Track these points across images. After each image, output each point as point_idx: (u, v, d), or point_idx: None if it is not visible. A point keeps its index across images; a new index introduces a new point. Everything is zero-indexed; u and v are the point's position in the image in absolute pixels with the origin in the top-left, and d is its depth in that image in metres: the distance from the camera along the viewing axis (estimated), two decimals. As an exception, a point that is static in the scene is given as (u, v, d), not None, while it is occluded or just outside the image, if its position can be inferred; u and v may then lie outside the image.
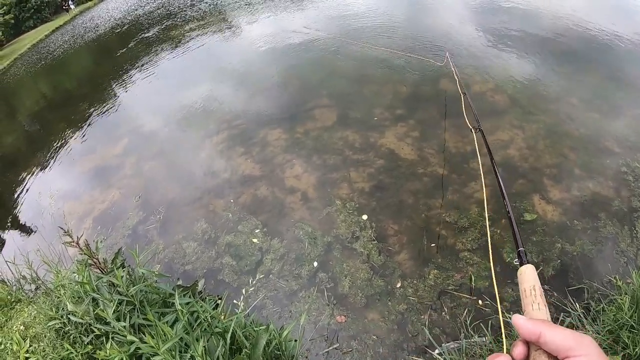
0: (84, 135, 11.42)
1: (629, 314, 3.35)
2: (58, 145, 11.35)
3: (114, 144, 10.02)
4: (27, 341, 4.34)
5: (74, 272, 4.51)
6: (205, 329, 3.51)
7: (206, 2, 24.73)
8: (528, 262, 1.19)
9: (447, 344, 4.02)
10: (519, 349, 0.80)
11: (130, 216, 7.04)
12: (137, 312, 3.67)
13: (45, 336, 4.27)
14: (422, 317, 4.43)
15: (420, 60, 9.42)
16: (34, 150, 12.03)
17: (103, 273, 3.90)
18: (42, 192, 9.09)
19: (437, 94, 8.31)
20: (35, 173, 10.37)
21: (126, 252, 5.13)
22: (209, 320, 3.59)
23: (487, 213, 5.48)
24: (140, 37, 21.63)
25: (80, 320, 3.85)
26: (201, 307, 3.66)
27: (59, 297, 4.43)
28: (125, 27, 26.29)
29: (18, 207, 9.18)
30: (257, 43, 14.06)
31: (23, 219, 8.74)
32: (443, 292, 4.64)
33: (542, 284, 3.41)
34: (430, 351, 4.01)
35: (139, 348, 3.20)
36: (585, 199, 5.47)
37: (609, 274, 4.38)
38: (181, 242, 6.17)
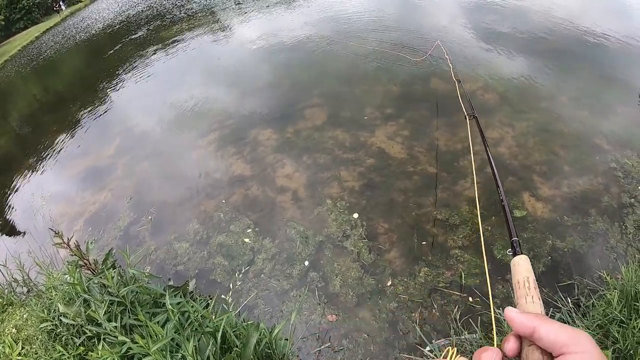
0: (75, 137, 11.37)
1: (618, 309, 3.38)
2: (50, 147, 11.29)
3: (105, 145, 10.00)
4: (20, 344, 4.34)
5: (65, 274, 4.50)
6: (196, 329, 3.51)
7: (196, 2, 24.70)
8: (522, 253, 1.15)
9: (438, 341, 4.04)
10: (511, 344, 0.77)
11: (122, 217, 7.02)
12: (128, 312, 3.67)
13: (37, 338, 4.27)
14: (413, 314, 4.45)
15: (412, 56, 9.46)
16: (25, 153, 11.98)
17: (94, 274, 3.90)
18: (34, 194, 9.06)
19: (428, 93, 8.35)
20: (26, 175, 10.33)
21: (117, 253, 5.13)
22: (200, 319, 3.59)
23: (479, 210, 5.53)
24: (131, 37, 21.58)
25: (72, 322, 3.84)
26: (192, 307, 3.66)
27: (50, 299, 4.42)
28: (116, 28, 26.22)
29: (9, 210, 9.13)
30: (248, 43, 14.08)
31: (14, 221, 8.70)
32: (433, 289, 4.66)
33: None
34: (421, 348, 4.03)
35: (131, 348, 3.21)
36: (575, 196, 5.50)
37: (598, 269, 4.41)
38: (173, 243, 6.17)
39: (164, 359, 3.03)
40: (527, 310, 0.86)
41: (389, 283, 4.82)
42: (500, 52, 9.44)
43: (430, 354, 3.77)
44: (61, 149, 10.92)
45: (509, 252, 1.49)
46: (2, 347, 4.36)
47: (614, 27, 9.76)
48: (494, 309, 4.14)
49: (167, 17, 23.60)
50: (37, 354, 4.08)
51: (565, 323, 3.07)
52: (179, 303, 3.74)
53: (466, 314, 4.30)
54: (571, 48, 9.20)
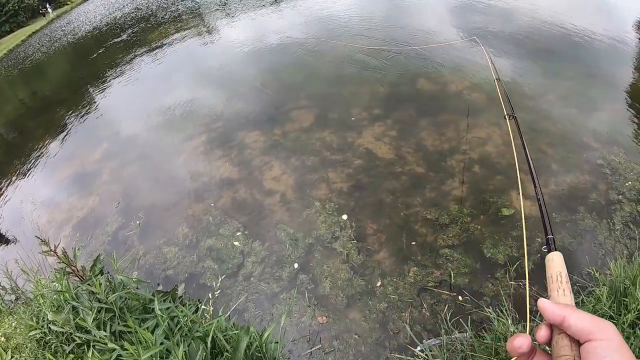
0: (62, 141, 11.26)
1: (607, 305, 3.41)
2: (36, 152, 11.16)
3: (92, 149, 9.90)
4: (9, 353, 4.29)
5: (53, 281, 4.46)
6: (185, 334, 3.50)
7: (183, 4, 24.62)
8: (556, 250, 1.20)
9: (429, 341, 4.05)
10: (543, 332, 0.82)
11: (110, 222, 6.97)
12: (117, 319, 3.64)
13: (26, 347, 4.22)
14: (403, 314, 4.46)
15: (401, 57, 9.50)
16: (11, 158, 11.82)
17: (82, 281, 3.87)
18: (21, 201, 8.96)
19: (415, 93, 8.39)
20: (13, 181, 10.21)
21: (105, 259, 5.10)
22: (189, 324, 3.58)
23: (467, 209, 5.57)
24: (117, 40, 21.43)
25: (61, 330, 3.81)
26: (181, 311, 3.64)
27: (39, 307, 4.38)
28: (103, 30, 26.04)
29: (-5, 216, 9.05)
30: (235, 45, 14.04)
31: (1, 228, 8.61)
32: (423, 289, 4.68)
33: (521, 279, 3.47)
34: (412, 348, 4.03)
35: (121, 355, 3.19)
36: (564, 194, 5.55)
37: (587, 266, 4.44)
38: (162, 247, 6.13)
39: (153, 366, 3.01)
40: (558, 301, 0.90)
41: (379, 283, 4.83)
42: (488, 51, 9.49)
43: (421, 354, 3.78)
44: (47, 154, 10.81)
45: (544, 248, 1.57)
46: (-8, 356, 4.32)
47: (600, 26, 9.87)
48: (494, 310, 4.18)
49: (154, 19, 23.48)
50: (26, 362, 4.04)
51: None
52: (168, 308, 3.72)
53: (456, 313, 4.32)
54: (558, 47, 9.28)
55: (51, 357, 3.76)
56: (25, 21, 48.50)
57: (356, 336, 4.37)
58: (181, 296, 4.85)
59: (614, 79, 7.92)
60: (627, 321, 3.19)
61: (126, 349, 3.00)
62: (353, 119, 7.89)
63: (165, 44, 17.06)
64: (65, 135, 11.54)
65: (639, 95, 7.40)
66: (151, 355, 3.04)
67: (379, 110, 7.98)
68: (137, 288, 4.12)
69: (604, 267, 4.30)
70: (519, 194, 5.57)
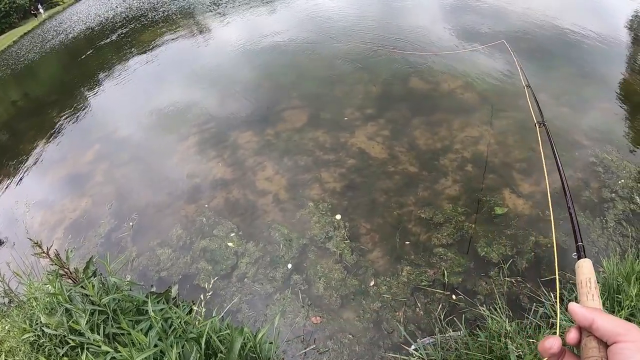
0: (54, 143, 11.17)
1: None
2: (28, 153, 11.10)
3: (85, 151, 9.84)
4: (2, 356, 4.27)
5: (46, 284, 4.45)
6: (179, 335, 3.49)
7: (174, 5, 24.56)
8: (586, 256, 1.26)
9: (423, 340, 4.06)
10: (573, 334, 0.85)
11: (103, 224, 6.93)
12: (111, 321, 3.63)
13: (20, 350, 4.20)
14: (397, 314, 4.46)
15: (393, 57, 9.50)
16: (3, 160, 11.73)
17: (75, 283, 3.86)
18: (13, 203, 8.89)
19: (407, 93, 8.40)
20: (5, 183, 10.13)
21: (98, 261, 5.07)
22: (183, 326, 3.57)
23: (460, 208, 5.58)
24: (109, 40, 21.34)
25: (55, 332, 3.80)
26: (175, 313, 3.63)
27: (32, 310, 4.36)
28: (95, 31, 25.91)
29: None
30: (227, 46, 14.03)
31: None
32: (416, 288, 4.69)
33: (515, 277, 3.49)
34: (406, 347, 4.03)
35: (115, 358, 3.18)
36: (556, 192, 5.55)
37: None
38: (155, 249, 6.11)
39: (147, 368, 3.01)
40: (587, 306, 0.95)
41: (372, 283, 4.83)
42: (480, 51, 9.52)
43: (416, 353, 3.78)
44: (40, 156, 10.73)
45: (574, 255, 1.67)
46: (-15, 359, 4.29)
47: (592, 25, 9.92)
48: (488, 308, 4.18)
49: (146, 19, 23.40)
50: (20, 365, 4.02)
51: (549, 317, 3.12)
52: (161, 310, 3.71)
53: (450, 312, 4.34)
54: (550, 46, 9.32)
55: (45, 360, 3.76)
56: (16, 22, 48.21)
57: (350, 336, 4.37)
58: (175, 297, 4.84)
59: (606, 78, 7.97)
60: (620, 318, 3.20)
61: (119, 352, 2.99)
62: (346, 118, 7.91)
63: (157, 44, 17.02)
64: (57, 137, 11.47)
65: (632, 94, 7.44)
66: (145, 358, 3.03)
67: (372, 110, 7.99)
68: (130, 290, 4.11)
69: (597, 265, 4.31)
70: (512, 192, 5.65)
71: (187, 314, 3.80)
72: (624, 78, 8.01)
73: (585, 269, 1.09)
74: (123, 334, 3.52)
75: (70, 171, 9.29)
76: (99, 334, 3.40)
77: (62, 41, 27.07)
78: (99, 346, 3.29)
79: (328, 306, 4.71)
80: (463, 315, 4.14)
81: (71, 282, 3.91)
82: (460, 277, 4.71)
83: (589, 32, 9.75)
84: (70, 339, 3.68)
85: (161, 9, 24.77)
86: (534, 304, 4.05)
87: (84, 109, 12.88)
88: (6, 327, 4.72)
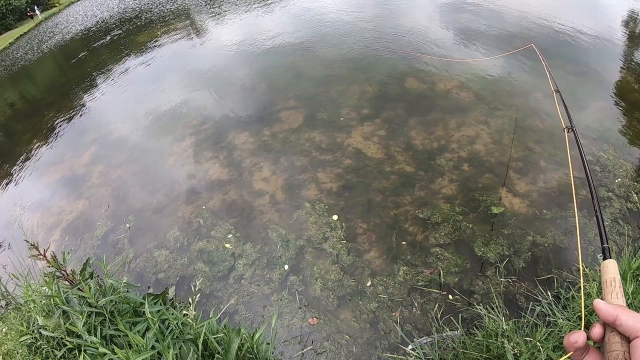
0: (51, 145, 11.15)
1: (598, 300, 3.44)
2: (25, 155, 11.08)
3: (81, 152, 9.83)
4: (0, 358, 4.26)
5: (43, 286, 4.44)
6: (177, 337, 3.49)
7: (170, 6, 24.55)
8: (611, 257, 1.30)
9: (420, 339, 4.06)
10: (597, 329, 0.90)
11: (99, 226, 6.91)
12: (108, 323, 3.62)
13: (17, 352, 4.19)
14: (394, 314, 4.47)
15: (387, 58, 9.51)
16: (0, 162, 11.75)
17: (72, 285, 3.85)
18: (9, 205, 8.88)
19: (403, 93, 8.40)
20: (2, 185, 10.12)
21: (95, 262, 5.06)
22: (180, 327, 3.57)
23: (458, 208, 5.58)
24: (105, 42, 21.32)
25: (52, 334, 3.79)
26: (172, 314, 3.63)
27: (29, 312, 4.36)
28: (91, 33, 25.87)
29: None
30: (223, 47, 14.03)
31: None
32: (413, 288, 4.69)
33: (512, 276, 3.51)
34: (403, 347, 4.04)
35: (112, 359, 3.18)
36: (553, 191, 5.59)
37: (577, 262, 4.46)
38: (152, 250, 6.09)
39: (144, 370, 3.00)
40: (611, 303, 0.97)
41: (369, 283, 4.84)
42: (476, 50, 9.53)
43: (413, 353, 3.79)
44: (36, 157, 10.72)
45: (600, 256, 1.80)
46: (-18, 362, 4.28)
47: (588, 24, 9.95)
48: (484, 307, 4.19)
49: (142, 20, 23.39)
50: (18, 368, 4.02)
51: (545, 316, 3.12)
52: (158, 311, 3.70)
53: (447, 311, 4.35)
54: (545, 45, 9.32)
55: (42, 363, 3.75)
56: (12, 24, 48.13)
57: (347, 336, 4.37)
58: (172, 299, 4.83)
59: (601, 76, 7.99)
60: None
61: (116, 354, 2.99)
62: (342, 119, 7.91)
63: (153, 45, 17.01)
64: (53, 139, 11.45)
65: (627, 92, 7.46)
66: (142, 359, 3.03)
67: (368, 110, 8.00)
68: (127, 291, 4.10)
69: (593, 264, 4.32)
70: (508, 192, 5.66)
71: (184, 315, 3.80)
72: (620, 76, 8.03)
73: (610, 269, 1.13)
74: (120, 336, 3.52)
75: (66, 173, 9.27)
76: (96, 335, 3.40)
77: (58, 43, 27.04)
78: (97, 348, 3.28)
79: (325, 307, 4.71)
80: (460, 315, 4.15)
81: (68, 284, 3.90)
82: (457, 277, 4.71)
83: (584, 30, 9.78)
84: (68, 341, 3.67)
85: (156, 10, 24.75)
86: (531, 302, 4.06)
87: (80, 111, 12.86)
88: (3, 330, 4.71)
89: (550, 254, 4.76)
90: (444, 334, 3.97)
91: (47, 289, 3.91)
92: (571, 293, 3.97)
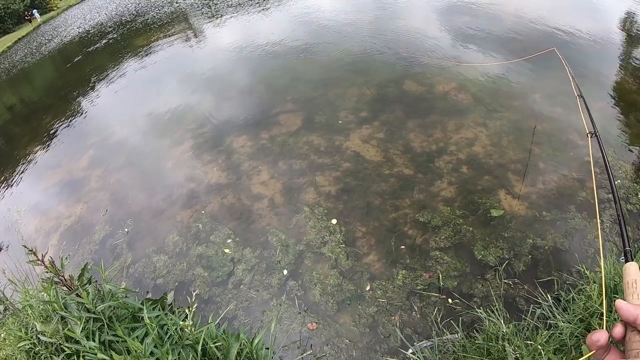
0: (49, 149, 11.13)
1: (598, 302, 3.43)
2: (23, 159, 11.06)
3: (79, 156, 9.81)
4: (-1, 364, 4.25)
5: (41, 291, 4.42)
6: (175, 342, 3.47)
7: (169, 9, 24.55)
8: (632, 260, 1.36)
9: (420, 343, 4.05)
10: (618, 329, 0.93)
11: (98, 230, 6.89)
12: (106, 328, 3.61)
13: (16, 358, 4.18)
14: (393, 318, 4.46)
15: (384, 61, 9.51)
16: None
17: (70, 290, 3.83)
18: (7, 209, 8.85)
19: (401, 95, 8.39)
20: (-1, 190, 10.13)
21: (93, 268, 5.04)
22: (179, 332, 3.55)
23: (458, 211, 5.57)
24: (103, 45, 21.32)
25: (50, 340, 3.78)
26: (170, 319, 3.62)
27: (27, 317, 4.34)
28: (89, 35, 25.88)
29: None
30: (221, 50, 14.04)
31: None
32: (412, 292, 4.68)
33: (512, 279, 3.50)
34: (403, 351, 4.03)
35: (111, 365, 3.16)
36: (553, 193, 5.58)
37: (577, 264, 4.44)
38: (151, 255, 6.07)
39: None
40: (633, 304, 1.01)
41: (368, 288, 4.82)
42: (474, 52, 9.53)
43: (413, 356, 3.78)
44: (34, 162, 10.70)
45: (622, 259, 1.81)
46: (-20, 368, 4.27)
47: (585, 25, 9.95)
48: (484, 310, 4.18)
49: (140, 23, 23.40)
50: (15, 373, 4.00)
51: (546, 318, 3.11)
52: (157, 316, 3.69)
53: (447, 315, 4.34)
54: (544, 46, 9.32)
55: (40, 369, 3.73)
56: (11, 27, 48.13)
57: (347, 341, 4.36)
58: (171, 304, 4.81)
59: (598, 77, 7.98)
60: (618, 318, 3.20)
61: (115, 359, 2.97)
62: (340, 122, 7.90)
63: (151, 49, 17.00)
64: (51, 143, 11.43)
65: (625, 93, 7.46)
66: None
67: (366, 113, 7.98)
68: (125, 297, 4.09)
69: (593, 265, 4.31)
70: (507, 194, 5.65)
71: (182, 321, 3.78)
72: (618, 77, 8.03)
73: (631, 271, 1.16)
74: (119, 342, 3.50)
75: (64, 177, 9.26)
76: (94, 341, 3.38)
77: (57, 46, 27.05)
78: (95, 354, 3.27)
79: (324, 312, 4.70)
80: (460, 318, 4.13)
81: (66, 289, 3.88)
82: (457, 280, 4.70)
83: (582, 31, 9.78)
84: (66, 346, 3.66)
85: (153, 13, 24.75)
86: (531, 305, 4.04)
87: (78, 114, 12.84)
88: (2, 335, 4.69)
89: (550, 256, 4.75)
90: (444, 338, 3.96)
91: (45, 295, 3.90)
92: (571, 295, 3.95)
